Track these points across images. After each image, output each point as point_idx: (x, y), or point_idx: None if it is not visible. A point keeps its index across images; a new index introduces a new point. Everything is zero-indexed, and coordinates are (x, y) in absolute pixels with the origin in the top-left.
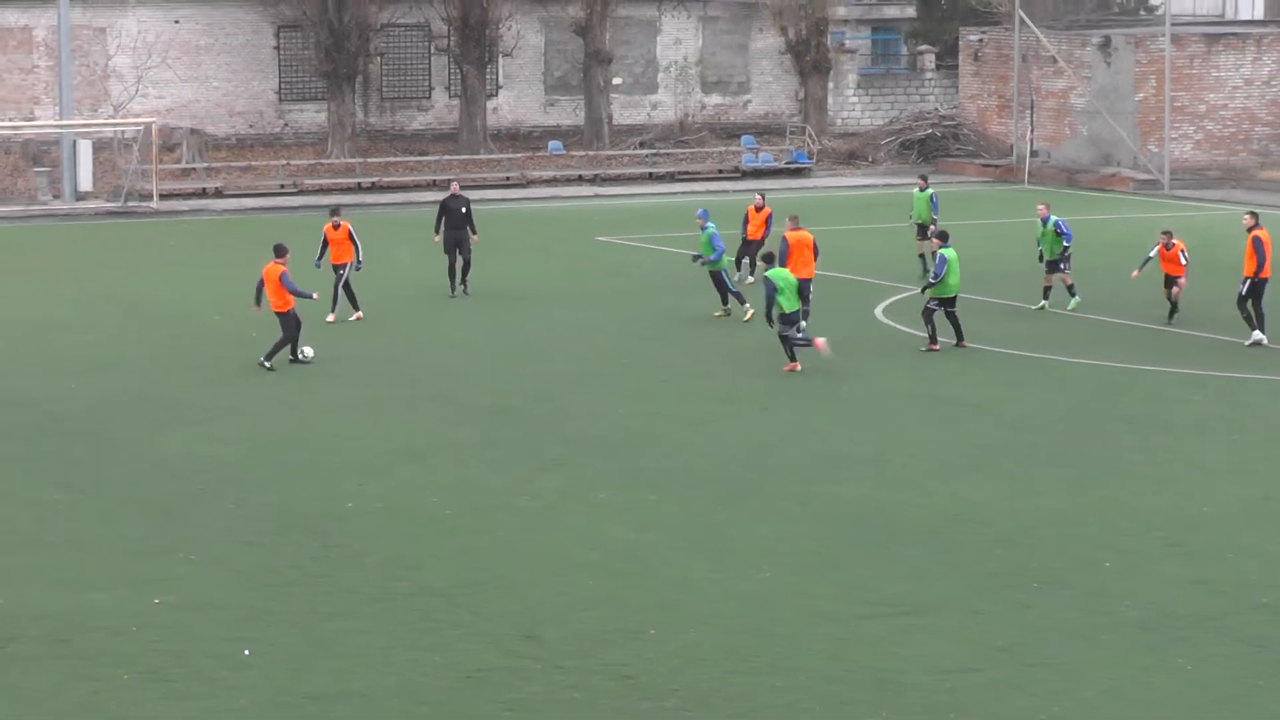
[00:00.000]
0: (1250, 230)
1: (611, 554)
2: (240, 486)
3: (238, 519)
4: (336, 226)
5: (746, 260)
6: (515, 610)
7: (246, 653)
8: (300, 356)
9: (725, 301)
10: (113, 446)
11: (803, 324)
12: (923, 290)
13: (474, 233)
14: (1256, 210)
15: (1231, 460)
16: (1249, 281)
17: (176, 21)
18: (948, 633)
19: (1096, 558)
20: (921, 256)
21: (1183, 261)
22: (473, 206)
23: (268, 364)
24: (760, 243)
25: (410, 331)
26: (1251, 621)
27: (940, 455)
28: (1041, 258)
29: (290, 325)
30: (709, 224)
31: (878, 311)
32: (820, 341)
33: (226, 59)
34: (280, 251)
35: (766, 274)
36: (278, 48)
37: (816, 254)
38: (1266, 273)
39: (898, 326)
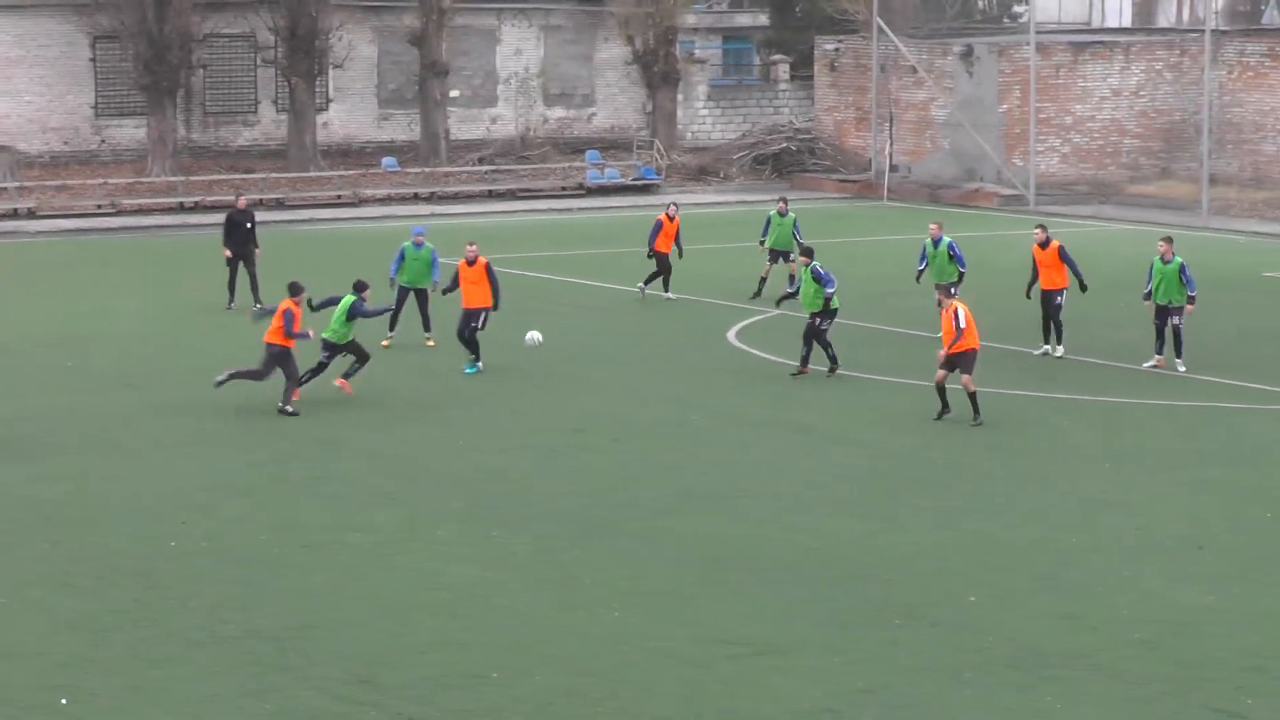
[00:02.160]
0: (1046, 245)
1: (452, 594)
2: (58, 527)
3: (54, 560)
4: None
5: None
6: (349, 654)
7: (64, 702)
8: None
9: (394, 326)
10: None
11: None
12: (778, 303)
13: (256, 246)
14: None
15: (1105, 490)
16: (1055, 293)
17: None
18: (807, 673)
19: (962, 593)
20: (762, 279)
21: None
22: (293, 222)
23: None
24: (667, 256)
25: (226, 358)
26: (1124, 658)
27: (798, 487)
28: (919, 279)
29: (288, 362)
30: (426, 242)
31: (730, 335)
32: None
33: (39, 72)
34: (295, 290)
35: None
36: (94, 60)
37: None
38: (1054, 283)
39: (751, 351)
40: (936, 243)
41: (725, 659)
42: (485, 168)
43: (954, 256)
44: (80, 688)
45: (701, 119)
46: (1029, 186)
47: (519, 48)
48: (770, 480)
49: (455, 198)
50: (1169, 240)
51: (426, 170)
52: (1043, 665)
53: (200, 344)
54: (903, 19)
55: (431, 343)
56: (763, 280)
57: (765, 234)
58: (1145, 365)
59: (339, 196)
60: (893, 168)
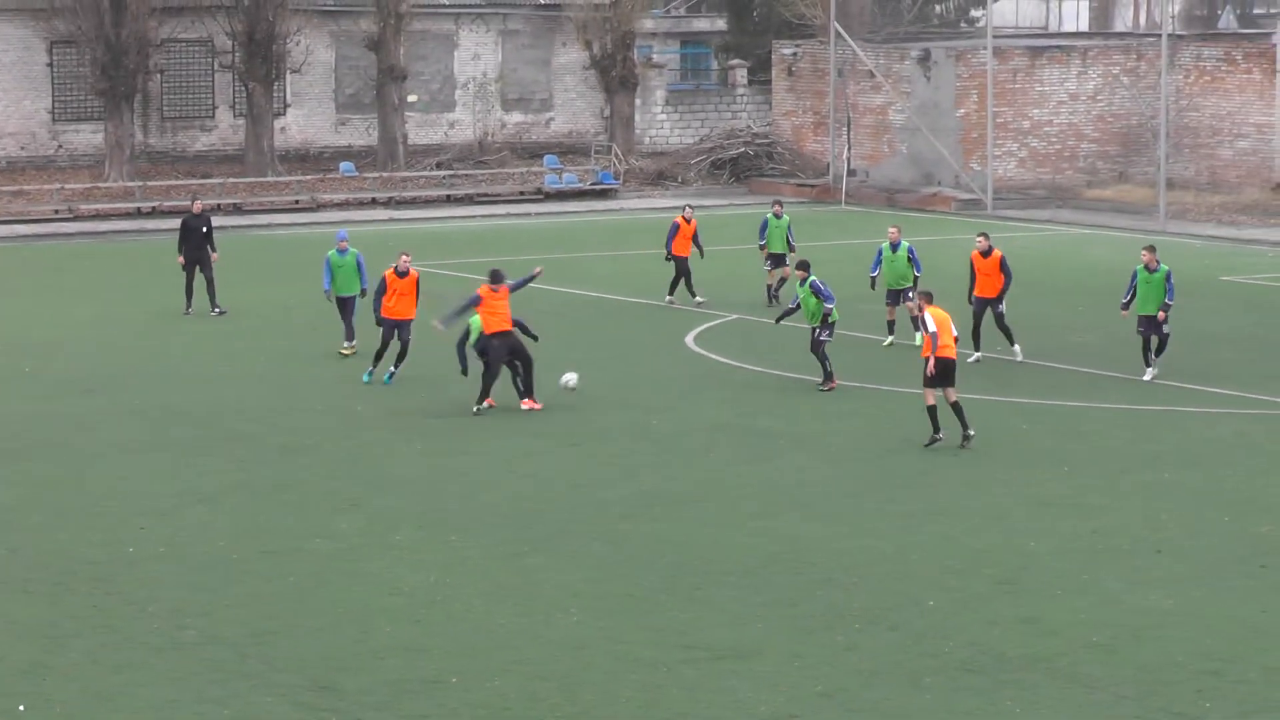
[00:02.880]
0: (989, 253)
1: (412, 599)
2: (16, 533)
3: (11, 567)
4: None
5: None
6: (309, 660)
7: (21, 709)
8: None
9: (351, 337)
10: None
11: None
12: (777, 321)
13: (214, 250)
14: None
15: (1064, 494)
16: (995, 300)
17: None
18: (766, 677)
19: (921, 597)
20: (769, 287)
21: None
22: (251, 227)
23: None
24: (685, 259)
25: (187, 363)
26: (1084, 662)
27: (758, 491)
28: (874, 285)
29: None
30: (350, 248)
31: (689, 340)
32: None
33: None
34: (496, 279)
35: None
36: (51, 65)
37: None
38: (988, 291)
39: (710, 355)
40: (895, 247)
41: (685, 663)
42: (443, 173)
43: (912, 260)
44: (38, 694)
45: (659, 124)
46: (986, 191)
47: (477, 52)
48: (731, 484)
49: (413, 202)
50: (1153, 249)
51: (384, 175)
52: (1002, 669)
53: (159, 350)
54: (860, 24)
55: (348, 351)
56: (770, 288)
57: (763, 237)
58: (1144, 378)
59: (296, 201)
60: (850, 172)
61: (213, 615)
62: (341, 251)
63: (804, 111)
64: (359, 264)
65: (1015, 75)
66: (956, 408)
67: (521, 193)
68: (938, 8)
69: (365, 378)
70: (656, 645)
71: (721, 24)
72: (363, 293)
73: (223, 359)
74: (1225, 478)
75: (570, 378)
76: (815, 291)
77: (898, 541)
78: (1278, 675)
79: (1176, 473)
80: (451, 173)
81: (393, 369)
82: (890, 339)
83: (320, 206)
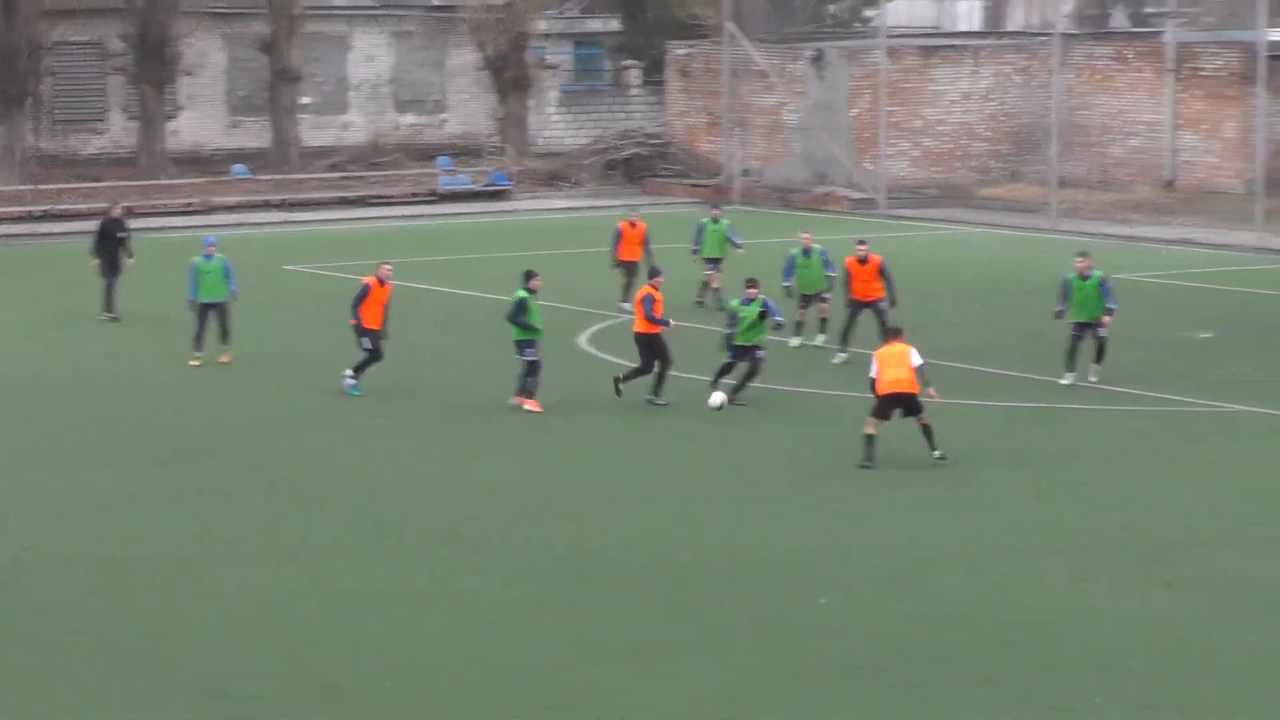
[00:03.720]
0: (865, 261)
1: (309, 603)
2: None
3: None
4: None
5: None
6: (203, 664)
7: None
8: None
9: (200, 347)
10: None
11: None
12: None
13: (130, 256)
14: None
15: (960, 492)
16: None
17: None
18: (667, 677)
19: (818, 596)
20: (705, 286)
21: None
22: (143, 230)
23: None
24: (636, 265)
25: (79, 368)
26: (979, 658)
27: (659, 493)
28: (790, 293)
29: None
30: (217, 253)
31: (581, 341)
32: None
33: None
34: (654, 274)
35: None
36: None
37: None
38: (866, 295)
39: (604, 356)
40: (808, 252)
41: (585, 663)
42: (337, 175)
43: (826, 263)
44: None
45: (553, 125)
46: (880, 190)
47: (370, 54)
48: (631, 486)
49: (306, 205)
50: (1086, 255)
51: (277, 177)
52: (898, 668)
53: (50, 355)
54: (754, 24)
55: (226, 358)
56: (705, 287)
57: (698, 242)
58: (1063, 382)
59: (189, 204)
60: (744, 172)
61: (105, 620)
62: (208, 257)
63: (698, 112)
64: (226, 270)
65: (908, 75)
66: (925, 430)
67: (415, 194)
68: (831, 8)
69: (354, 390)
70: (557, 646)
71: (615, 25)
72: (233, 297)
73: (116, 364)
74: (1119, 475)
75: (717, 397)
76: (766, 309)
77: (796, 541)
78: (1167, 671)
79: (1071, 471)
80: (345, 175)
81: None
82: (798, 340)
83: (212, 209)
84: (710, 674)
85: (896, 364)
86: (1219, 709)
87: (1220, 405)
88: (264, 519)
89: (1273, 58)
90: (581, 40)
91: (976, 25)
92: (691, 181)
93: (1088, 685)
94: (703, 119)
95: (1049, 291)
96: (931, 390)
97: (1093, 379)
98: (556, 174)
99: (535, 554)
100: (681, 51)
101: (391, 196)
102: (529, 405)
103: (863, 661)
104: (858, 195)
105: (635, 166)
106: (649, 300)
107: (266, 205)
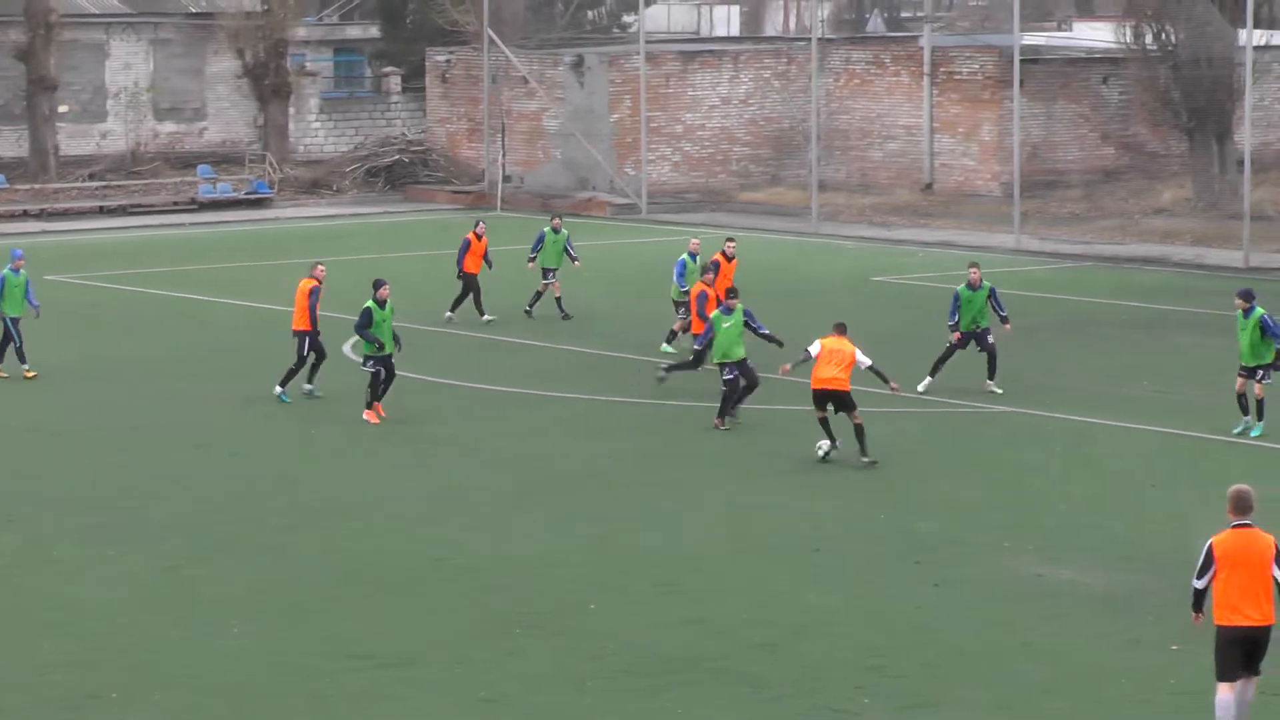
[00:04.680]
0: (733, 258)
1: (72, 614)
2: None
3: None
4: None
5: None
6: None
7: None
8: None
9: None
10: None
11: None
12: (696, 362)
13: None
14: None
15: (725, 495)
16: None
17: None
18: (431, 684)
19: (584, 600)
20: (538, 295)
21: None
22: None
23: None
24: (476, 276)
25: None
26: (746, 661)
27: (420, 499)
28: (677, 307)
29: None
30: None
31: (346, 349)
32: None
33: None
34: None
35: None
36: None
37: None
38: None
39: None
40: (694, 257)
41: (350, 672)
42: (96, 184)
43: (678, 277)
44: None
45: (314, 132)
46: (641, 195)
47: (128, 62)
48: (395, 492)
49: (65, 214)
50: (977, 265)
51: (35, 187)
52: (664, 671)
53: None
54: (513, 30)
55: (31, 374)
56: (538, 296)
57: (535, 250)
58: (920, 388)
59: None
60: (505, 178)
61: None
62: (16, 270)
63: (458, 118)
64: (26, 283)
65: (668, 80)
66: (858, 430)
67: (176, 203)
68: (590, 14)
69: (317, 392)
70: (323, 655)
71: (375, 31)
72: (36, 312)
73: None
74: (883, 476)
75: (824, 445)
76: (749, 320)
77: (559, 545)
78: (934, 669)
79: (835, 472)
80: (104, 184)
81: (309, 384)
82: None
83: None
84: (476, 679)
85: (836, 361)
86: (984, 705)
87: (985, 407)
88: (24, 531)
89: (1027, 61)
90: (341, 47)
91: (735, 31)
92: (453, 188)
93: (855, 686)
94: (464, 125)
95: (808, 294)
96: (893, 384)
97: (999, 391)
98: (318, 181)
99: (296, 563)
100: (441, 58)
101: (151, 205)
102: (369, 415)
103: (633, 665)
104: (620, 200)
105: (397, 173)
106: (702, 298)
107: (24, 215)
